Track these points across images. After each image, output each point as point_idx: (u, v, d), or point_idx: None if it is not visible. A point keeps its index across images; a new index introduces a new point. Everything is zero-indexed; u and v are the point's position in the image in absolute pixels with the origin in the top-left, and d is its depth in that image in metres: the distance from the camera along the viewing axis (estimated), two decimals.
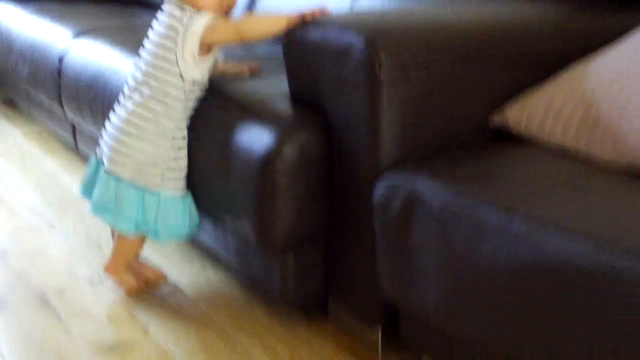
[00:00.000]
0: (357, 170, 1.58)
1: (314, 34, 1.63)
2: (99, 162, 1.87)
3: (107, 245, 2.12)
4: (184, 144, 1.81)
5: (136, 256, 1.93)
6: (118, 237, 1.88)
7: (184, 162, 1.81)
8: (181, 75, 1.75)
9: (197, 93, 1.80)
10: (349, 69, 1.55)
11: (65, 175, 2.75)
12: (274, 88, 1.83)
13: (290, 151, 1.61)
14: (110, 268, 1.90)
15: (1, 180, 2.70)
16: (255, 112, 1.72)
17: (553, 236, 1.18)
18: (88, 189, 1.89)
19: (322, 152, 1.64)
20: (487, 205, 1.29)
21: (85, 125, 2.53)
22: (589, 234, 1.15)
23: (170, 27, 1.76)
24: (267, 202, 1.63)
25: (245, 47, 2.44)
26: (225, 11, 1.79)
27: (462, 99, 1.60)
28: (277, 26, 1.70)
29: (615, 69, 1.54)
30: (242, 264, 1.85)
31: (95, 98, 2.39)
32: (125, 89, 1.83)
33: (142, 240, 1.88)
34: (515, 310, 1.23)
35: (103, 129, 1.89)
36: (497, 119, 1.63)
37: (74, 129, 2.78)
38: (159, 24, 1.79)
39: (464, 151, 1.56)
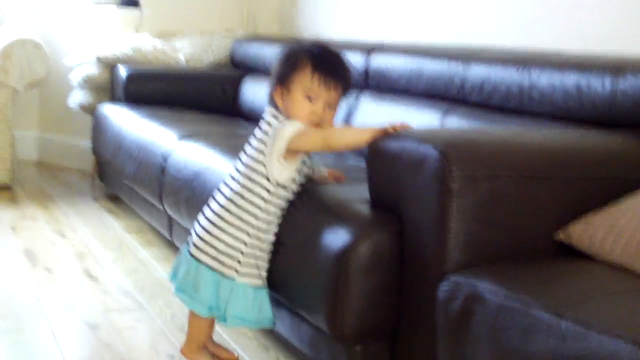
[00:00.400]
0: (424, 271, 1.71)
1: (394, 145, 1.80)
2: (187, 247, 2.03)
3: None
4: (265, 243, 1.96)
5: (210, 338, 2.08)
6: (190, 320, 2.03)
7: (262, 258, 1.96)
8: (267, 177, 1.92)
9: (283, 195, 1.95)
10: (423, 178, 1.71)
11: (157, 265, 2.97)
12: (357, 193, 1.99)
13: (364, 249, 1.76)
14: (186, 350, 2.05)
15: (98, 265, 2.92)
16: (335, 212, 1.88)
17: (596, 337, 1.28)
18: (175, 274, 2.06)
19: (394, 253, 1.78)
20: (540, 305, 1.40)
21: (181, 220, 2.74)
22: (629, 336, 1.25)
23: (264, 132, 1.94)
24: (339, 295, 1.77)
25: (337, 156, 2.64)
26: (316, 124, 1.95)
27: (527, 213, 1.73)
28: (362, 138, 1.86)
29: None
30: (314, 354, 1.97)
31: (193, 195, 2.60)
32: (221, 185, 2.02)
33: (212, 322, 2.03)
34: None
35: (196, 219, 2.08)
36: (561, 235, 1.74)
37: (170, 223, 3.00)
38: (257, 129, 1.98)
39: (526, 261, 1.67)
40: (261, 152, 1.93)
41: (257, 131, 1.97)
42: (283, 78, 1.95)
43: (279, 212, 1.97)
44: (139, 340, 2.25)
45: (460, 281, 1.59)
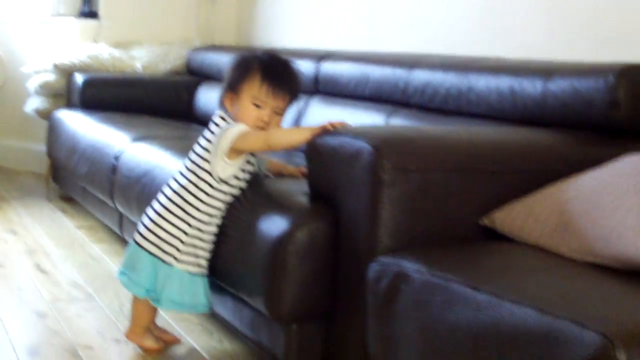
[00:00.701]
0: (357, 256, 1.81)
1: (331, 141, 1.90)
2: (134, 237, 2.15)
3: None
4: (206, 234, 2.06)
5: (153, 322, 2.18)
6: (133, 304, 2.14)
7: (202, 248, 2.07)
8: (211, 173, 2.03)
9: (226, 191, 2.06)
10: (357, 170, 1.81)
11: (108, 259, 3.04)
12: (297, 187, 2.09)
13: (301, 236, 1.86)
14: (130, 334, 2.16)
15: (49, 260, 2.98)
16: (275, 204, 1.98)
17: (507, 306, 1.39)
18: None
19: (330, 239, 1.88)
20: (459, 280, 1.51)
21: (132, 215, 2.81)
22: (535, 304, 1.35)
23: (212, 132, 2.06)
24: (277, 279, 1.86)
25: (287, 155, 2.74)
26: (261, 128, 2.06)
27: (454, 203, 1.83)
28: (301, 137, 1.97)
29: (591, 186, 1.77)
30: (255, 335, 2.06)
31: (142, 191, 2.68)
32: (170, 180, 2.14)
33: (154, 307, 2.13)
34: None
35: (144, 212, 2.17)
36: (485, 220, 1.85)
37: (121, 220, 3.07)
38: (206, 130, 2.09)
39: (452, 244, 1.78)
40: (208, 150, 2.05)
41: (205, 132, 2.09)
42: (234, 85, 2.07)
43: (222, 207, 2.07)
44: (87, 327, 2.32)
45: (388, 262, 1.69)
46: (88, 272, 2.85)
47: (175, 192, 2.08)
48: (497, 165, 1.89)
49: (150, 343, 2.15)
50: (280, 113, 2.08)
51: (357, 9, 3.64)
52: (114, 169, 3.01)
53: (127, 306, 2.48)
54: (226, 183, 2.05)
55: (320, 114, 3.13)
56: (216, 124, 2.07)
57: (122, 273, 2.12)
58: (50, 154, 4.04)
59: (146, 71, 4.33)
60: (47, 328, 2.30)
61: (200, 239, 2.06)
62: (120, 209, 2.94)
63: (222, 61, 4.05)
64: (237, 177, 2.06)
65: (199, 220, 2.05)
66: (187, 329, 2.33)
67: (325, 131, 1.93)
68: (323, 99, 3.22)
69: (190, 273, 2.06)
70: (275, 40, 4.33)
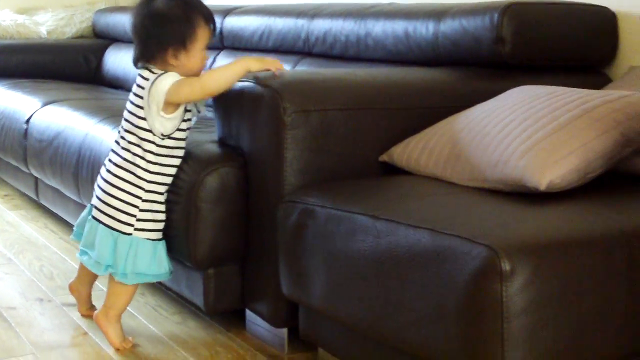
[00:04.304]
0: (266, 197, 1.90)
1: (235, 87, 1.98)
2: (91, 208, 2.02)
3: (59, 277, 2.44)
4: (160, 195, 1.96)
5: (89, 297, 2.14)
6: (111, 288, 1.98)
7: (160, 211, 1.97)
8: (151, 130, 1.92)
9: (173, 146, 1.95)
10: (261, 115, 1.90)
11: (26, 225, 3.06)
12: (207, 137, 2.16)
13: (211, 181, 1.94)
14: (101, 316, 1.99)
15: None
16: (189, 153, 2.04)
17: (403, 230, 1.50)
18: (78, 232, 2.08)
19: (239, 183, 1.96)
20: (360, 210, 1.62)
21: (47, 179, 2.84)
22: (428, 226, 1.47)
23: (141, 87, 1.93)
24: (192, 225, 1.94)
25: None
26: (198, 74, 1.95)
27: (355, 141, 1.94)
28: (237, 74, 1.91)
29: (478, 117, 1.89)
30: (176, 285, 2.14)
31: (55, 153, 2.71)
32: (114, 145, 2.00)
33: (134, 291, 2.00)
34: (377, 286, 1.54)
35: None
36: (385, 157, 1.96)
37: (36, 185, 3.09)
38: (135, 86, 1.95)
39: (354, 180, 1.89)
40: (140, 107, 1.92)
41: (134, 88, 1.96)
42: (183, 39, 1.92)
43: (174, 162, 1.97)
44: (9, 288, 2.36)
45: (294, 200, 1.79)
46: (6, 238, 2.88)
47: (121, 157, 1.95)
48: (393, 103, 2.00)
49: (116, 338, 1.97)
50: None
51: None
52: (25, 134, 3.02)
53: (48, 267, 2.53)
54: (170, 137, 1.94)
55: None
56: (145, 78, 1.93)
57: (82, 252, 2.00)
58: None
59: (51, 36, 4.30)
60: None
61: (158, 202, 1.96)
62: (35, 173, 2.97)
63: (127, 22, 4.05)
64: (180, 129, 1.95)
65: (153, 182, 1.94)
66: (105, 282, 2.38)
67: (265, 69, 1.93)
68: (229, 53, 3.28)
69: (151, 240, 1.95)
70: None
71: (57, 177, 2.71)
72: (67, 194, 2.68)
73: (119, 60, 4.03)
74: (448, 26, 2.28)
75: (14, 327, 2.08)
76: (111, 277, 1.98)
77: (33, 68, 4.05)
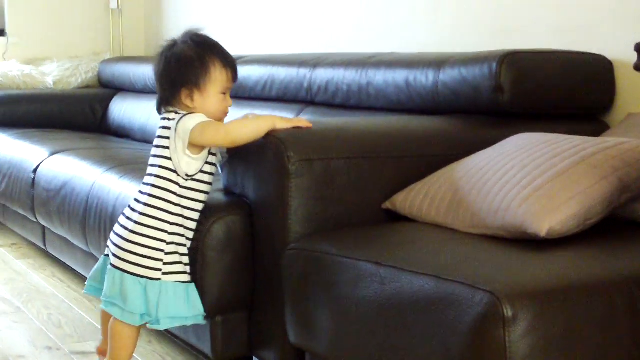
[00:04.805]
0: (272, 245, 1.94)
1: None
2: (107, 259, 1.98)
3: (68, 325, 2.47)
4: (184, 238, 1.93)
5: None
6: (116, 330, 1.92)
7: (185, 253, 1.93)
8: (175, 170, 1.91)
9: (196, 187, 1.93)
10: (266, 163, 1.94)
11: (34, 273, 3.10)
12: (215, 186, 2.19)
13: (217, 229, 1.97)
14: None
15: None
16: None
17: (407, 277, 1.54)
18: (92, 285, 2.03)
19: (246, 231, 2.00)
20: (364, 257, 1.65)
21: (55, 228, 2.88)
22: (431, 272, 1.51)
23: (166, 127, 1.92)
24: (199, 272, 1.97)
25: None
26: (219, 118, 1.97)
27: (358, 188, 1.97)
28: (264, 127, 1.91)
29: (478, 165, 1.93)
30: (182, 334, 2.16)
31: (63, 202, 2.75)
32: (136, 193, 1.97)
33: (137, 335, 1.95)
34: (382, 333, 1.57)
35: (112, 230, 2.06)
36: (387, 204, 2.00)
37: (43, 233, 3.13)
38: (160, 128, 1.94)
39: (358, 227, 1.92)
40: (166, 147, 1.91)
41: (159, 131, 1.95)
42: (195, 80, 1.92)
43: (196, 207, 1.94)
44: (18, 337, 2.39)
45: (299, 248, 1.82)
46: (14, 287, 2.91)
47: (142, 203, 1.91)
48: (395, 152, 2.04)
49: None
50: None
51: (263, 14, 3.78)
52: (33, 183, 3.07)
53: (56, 315, 2.56)
54: (194, 179, 1.92)
55: (230, 117, 3.23)
56: (170, 119, 1.92)
57: (111, 304, 1.89)
58: None
59: (57, 86, 4.38)
60: None
61: (182, 245, 1.93)
62: (43, 222, 3.00)
63: (133, 72, 4.12)
64: (203, 172, 1.93)
65: (175, 225, 1.91)
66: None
67: (295, 128, 1.94)
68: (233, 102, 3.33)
69: (181, 282, 1.91)
70: None
71: (64, 226, 2.75)
72: (75, 243, 2.71)
73: (125, 109, 4.09)
74: (448, 75, 2.33)
75: None
76: (111, 327, 1.92)
77: (40, 118, 4.12)
